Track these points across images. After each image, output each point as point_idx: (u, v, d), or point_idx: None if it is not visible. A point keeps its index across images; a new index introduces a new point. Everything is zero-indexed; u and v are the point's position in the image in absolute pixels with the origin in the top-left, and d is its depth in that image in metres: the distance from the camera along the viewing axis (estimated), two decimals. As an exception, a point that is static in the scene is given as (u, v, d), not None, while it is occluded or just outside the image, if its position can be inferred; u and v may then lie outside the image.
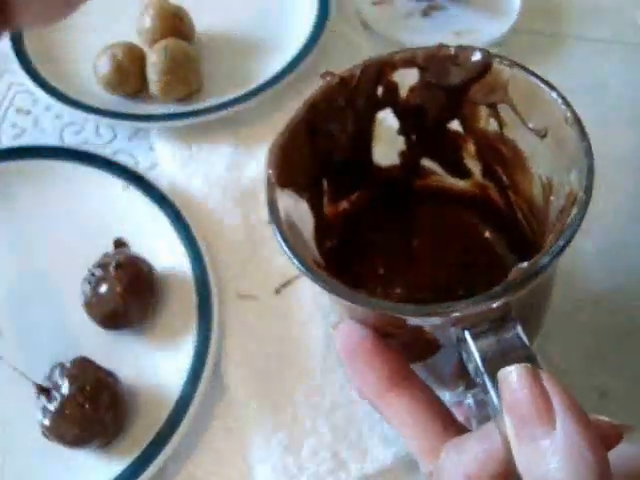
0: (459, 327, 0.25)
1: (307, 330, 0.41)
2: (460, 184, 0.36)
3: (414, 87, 0.32)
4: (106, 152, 0.49)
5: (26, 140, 0.52)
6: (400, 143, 0.35)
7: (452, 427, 0.25)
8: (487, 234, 0.37)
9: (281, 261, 0.44)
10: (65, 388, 0.36)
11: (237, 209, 0.46)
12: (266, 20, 0.57)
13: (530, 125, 0.29)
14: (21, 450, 0.38)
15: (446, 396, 0.37)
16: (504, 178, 0.34)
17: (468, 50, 0.30)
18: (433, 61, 0.31)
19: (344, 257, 0.33)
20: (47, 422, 0.35)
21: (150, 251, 0.43)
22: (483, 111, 0.32)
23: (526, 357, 0.23)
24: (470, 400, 0.33)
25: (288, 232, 0.27)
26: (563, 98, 0.27)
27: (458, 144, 0.34)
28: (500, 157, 0.33)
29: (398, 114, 0.33)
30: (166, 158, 0.49)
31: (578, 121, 0.26)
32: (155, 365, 0.40)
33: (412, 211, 0.37)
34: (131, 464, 0.36)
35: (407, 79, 0.32)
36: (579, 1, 0.58)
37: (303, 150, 0.30)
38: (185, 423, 0.37)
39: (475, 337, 0.24)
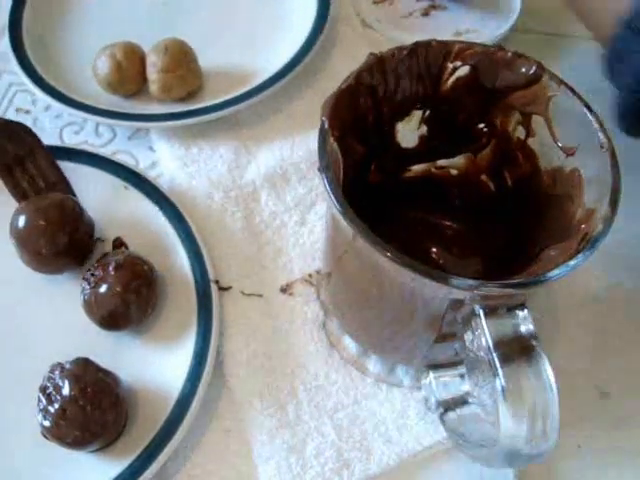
0: (477, 304, 0.26)
1: (311, 330, 0.41)
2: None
3: (459, 80, 0.33)
4: (106, 152, 0.49)
5: (26, 140, 0.52)
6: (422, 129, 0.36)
7: None
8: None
9: (286, 260, 0.44)
10: (66, 389, 0.36)
11: (239, 209, 0.46)
12: (266, 19, 0.57)
13: (559, 143, 0.31)
14: (21, 450, 0.38)
15: (406, 381, 0.38)
16: (508, 181, 0.35)
17: (523, 59, 0.31)
18: (487, 61, 0.32)
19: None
20: (47, 423, 0.35)
21: (150, 251, 0.43)
22: (516, 117, 0.33)
23: (533, 346, 0.25)
24: (428, 381, 0.35)
25: (334, 179, 0.28)
26: (601, 124, 0.29)
27: (478, 140, 0.36)
28: (513, 162, 0.34)
29: (431, 104, 0.34)
30: (166, 158, 0.49)
31: (612, 149, 0.28)
32: (155, 365, 0.40)
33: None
34: (131, 464, 0.36)
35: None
36: (579, 1, 0.58)
37: (351, 108, 0.31)
38: (185, 423, 0.37)
39: (489, 317, 0.26)
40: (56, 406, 0.35)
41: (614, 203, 0.28)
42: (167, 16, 0.58)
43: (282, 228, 0.45)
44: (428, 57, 0.32)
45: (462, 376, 0.35)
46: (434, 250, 0.39)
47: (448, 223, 0.40)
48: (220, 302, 0.41)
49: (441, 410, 0.35)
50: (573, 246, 0.27)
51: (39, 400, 0.36)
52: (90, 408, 0.35)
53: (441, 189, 0.39)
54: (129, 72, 0.50)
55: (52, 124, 0.53)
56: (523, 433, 0.25)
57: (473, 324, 0.26)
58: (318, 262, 0.44)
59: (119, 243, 0.45)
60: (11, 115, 0.54)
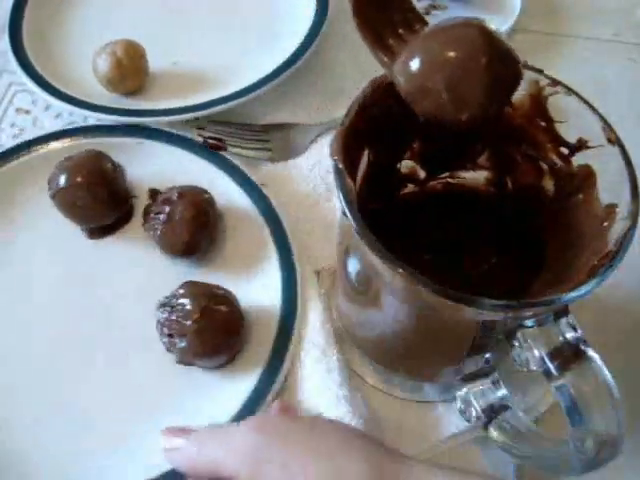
0: (520, 319, 0.26)
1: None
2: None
3: None
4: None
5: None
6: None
7: None
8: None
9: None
10: (188, 307, 0.37)
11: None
12: (266, 17, 0.57)
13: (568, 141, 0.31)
14: (152, 372, 0.40)
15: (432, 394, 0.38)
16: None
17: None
18: None
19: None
20: (182, 344, 0.37)
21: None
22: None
23: (584, 351, 0.26)
24: (463, 393, 0.35)
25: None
26: (604, 120, 0.29)
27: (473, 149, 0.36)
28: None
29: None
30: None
31: (620, 142, 0.29)
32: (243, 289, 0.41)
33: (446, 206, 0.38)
34: (260, 376, 0.38)
35: None
36: (579, 1, 0.58)
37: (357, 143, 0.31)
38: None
39: (538, 328, 0.26)
40: (188, 323, 0.36)
41: (636, 195, 0.27)
42: (166, 15, 0.58)
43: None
44: None
45: (494, 382, 0.35)
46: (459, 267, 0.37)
47: (466, 238, 0.38)
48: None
49: (484, 420, 0.34)
50: (603, 248, 0.27)
51: (160, 312, 0.38)
52: (218, 318, 0.37)
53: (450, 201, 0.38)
54: (129, 69, 0.50)
55: (52, 124, 0.53)
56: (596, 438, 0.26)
57: (519, 337, 0.26)
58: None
59: (154, 193, 0.45)
60: (11, 115, 0.54)
